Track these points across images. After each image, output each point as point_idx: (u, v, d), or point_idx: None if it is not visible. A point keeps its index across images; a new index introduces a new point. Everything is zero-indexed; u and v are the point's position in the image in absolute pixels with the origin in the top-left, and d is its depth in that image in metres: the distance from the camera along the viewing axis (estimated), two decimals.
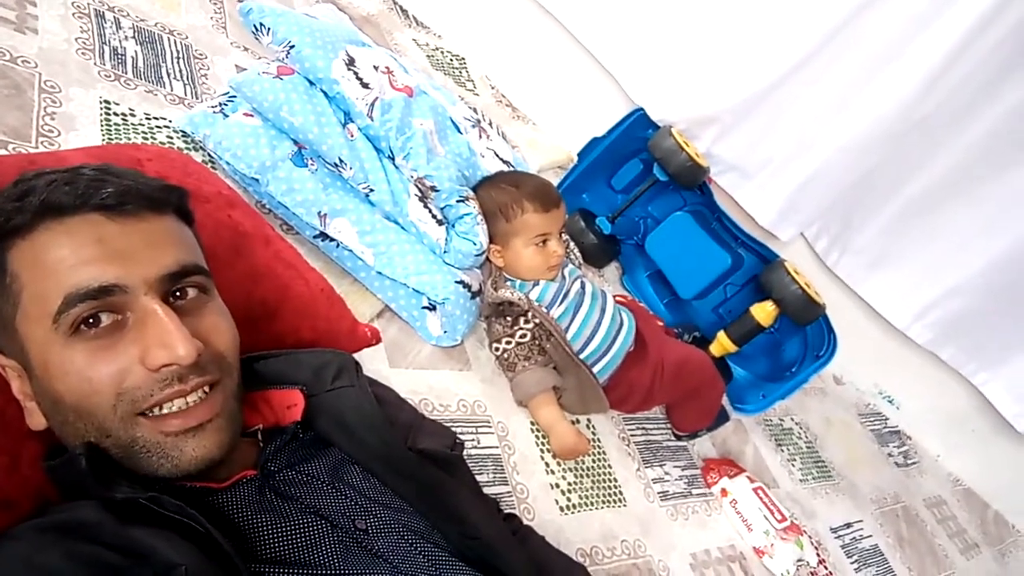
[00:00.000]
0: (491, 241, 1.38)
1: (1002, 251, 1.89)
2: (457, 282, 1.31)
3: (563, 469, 1.31)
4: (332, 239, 1.27)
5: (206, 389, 0.63)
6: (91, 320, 0.59)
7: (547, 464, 1.30)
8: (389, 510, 0.72)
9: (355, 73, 1.32)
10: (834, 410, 2.12)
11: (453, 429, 1.09)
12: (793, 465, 1.78)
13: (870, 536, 1.75)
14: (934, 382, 2.16)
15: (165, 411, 0.61)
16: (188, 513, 0.58)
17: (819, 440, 1.95)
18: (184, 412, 0.61)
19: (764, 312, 1.66)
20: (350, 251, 1.27)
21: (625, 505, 1.35)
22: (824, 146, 1.79)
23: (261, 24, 1.30)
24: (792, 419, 1.95)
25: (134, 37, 1.38)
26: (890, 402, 2.28)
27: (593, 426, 1.45)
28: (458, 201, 1.32)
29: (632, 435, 1.51)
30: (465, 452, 1.17)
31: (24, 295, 0.59)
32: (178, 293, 0.63)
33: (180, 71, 1.40)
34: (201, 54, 1.48)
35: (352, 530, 0.67)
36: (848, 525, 1.73)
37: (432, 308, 1.30)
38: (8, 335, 0.61)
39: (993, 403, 2.07)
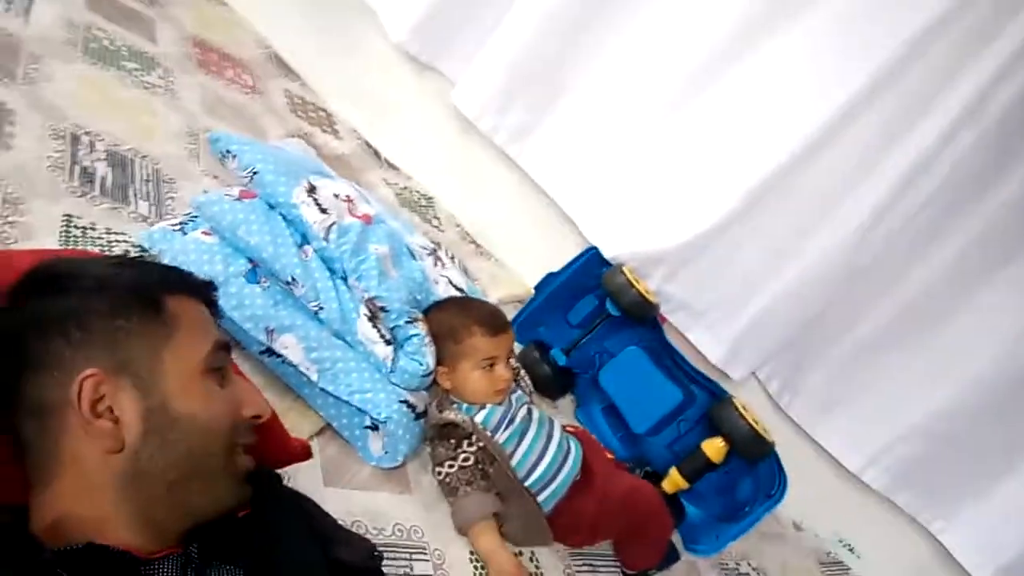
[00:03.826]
0: (439, 363, 1.39)
1: (948, 397, 1.93)
2: (401, 401, 1.31)
3: None
4: (278, 355, 1.28)
5: None
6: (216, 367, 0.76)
7: None
8: None
9: (315, 199, 1.38)
10: (793, 557, 2.06)
11: (381, 550, 1.06)
12: None
13: None
14: (893, 530, 2.12)
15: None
16: None
17: None
18: None
19: (714, 448, 1.66)
20: (295, 367, 1.27)
21: None
22: (770, 289, 1.86)
23: (228, 151, 1.38)
24: (749, 563, 1.89)
25: (106, 159, 1.45)
26: (851, 551, 2.22)
27: (537, 559, 1.40)
28: (407, 322, 1.35)
29: (578, 571, 1.46)
30: None
31: (180, 333, 0.73)
32: None
33: (148, 192, 1.46)
34: (171, 179, 1.54)
35: None
36: None
37: (375, 428, 1.29)
38: (143, 358, 0.70)
39: (952, 553, 2.03)
